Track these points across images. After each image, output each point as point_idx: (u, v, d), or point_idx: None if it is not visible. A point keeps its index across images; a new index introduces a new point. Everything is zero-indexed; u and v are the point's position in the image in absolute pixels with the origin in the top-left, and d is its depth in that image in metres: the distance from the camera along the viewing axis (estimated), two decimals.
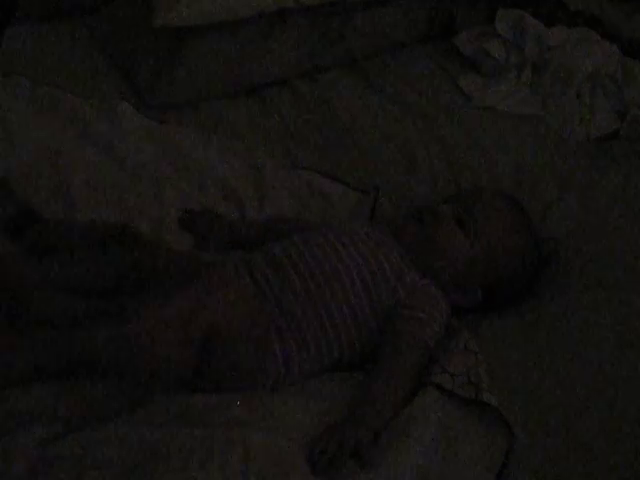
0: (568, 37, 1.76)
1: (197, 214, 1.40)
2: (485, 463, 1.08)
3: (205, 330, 1.09)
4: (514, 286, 1.29)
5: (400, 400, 1.12)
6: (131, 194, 1.41)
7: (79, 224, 1.28)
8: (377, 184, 1.47)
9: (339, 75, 1.73)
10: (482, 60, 1.77)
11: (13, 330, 1.08)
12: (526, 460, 1.09)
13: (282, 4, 1.55)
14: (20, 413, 1.04)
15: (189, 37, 1.54)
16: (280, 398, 1.12)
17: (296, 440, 1.05)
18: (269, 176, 1.48)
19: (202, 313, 1.10)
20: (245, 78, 1.65)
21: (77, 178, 1.40)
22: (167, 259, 1.22)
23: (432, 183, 1.52)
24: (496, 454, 1.09)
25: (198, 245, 1.37)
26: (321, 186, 1.48)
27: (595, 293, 1.29)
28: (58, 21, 1.69)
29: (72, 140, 1.46)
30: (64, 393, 1.08)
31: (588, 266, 1.34)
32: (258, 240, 1.33)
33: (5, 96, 1.48)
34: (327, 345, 1.18)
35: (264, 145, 1.55)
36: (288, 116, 1.62)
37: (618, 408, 1.14)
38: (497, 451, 1.09)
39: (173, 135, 1.52)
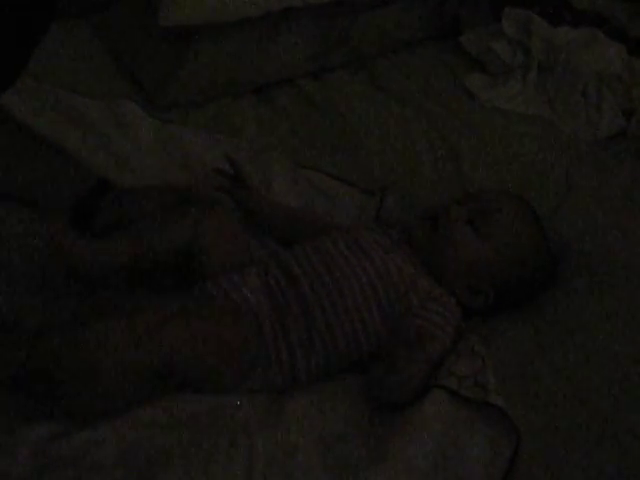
0: (574, 37, 1.75)
1: (228, 175, 1.38)
2: (490, 467, 1.08)
3: (162, 360, 1.04)
4: (525, 288, 1.29)
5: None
6: None
7: (152, 189, 1.26)
8: (385, 185, 1.46)
9: (345, 75, 1.73)
10: (488, 60, 1.77)
11: None
12: (532, 464, 1.09)
13: (288, 3, 1.55)
14: (19, 413, 1.04)
15: (195, 37, 1.54)
16: (285, 400, 1.12)
17: (301, 441, 1.05)
18: (274, 176, 1.47)
19: (160, 347, 1.04)
20: (251, 78, 1.64)
21: None
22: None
23: (438, 183, 1.51)
24: (501, 457, 1.08)
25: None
26: (326, 186, 1.47)
27: (603, 294, 1.28)
28: (64, 21, 1.68)
29: (77, 140, 1.46)
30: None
31: (596, 267, 1.33)
32: (278, 227, 1.34)
33: (10, 96, 1.48)
34: (336, 352, 1.17)
35: (269, 145, 1.54)
36: (294, 116, 1.62)
37: (627, 412, 1.14)
38: (502, 454, 1.09)
39: (178, 134, 1.52)
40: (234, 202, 1.36)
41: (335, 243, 1.24)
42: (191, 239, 1.17)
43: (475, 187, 1.49)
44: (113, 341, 1.01)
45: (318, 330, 1.16)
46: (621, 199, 1.48)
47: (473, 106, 1.69)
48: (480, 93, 1.72)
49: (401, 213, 1.41)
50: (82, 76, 1.59)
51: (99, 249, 1.13)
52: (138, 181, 1.41)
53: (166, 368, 1.05)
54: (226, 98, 1.63)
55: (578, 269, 1.33)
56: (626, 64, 1.73)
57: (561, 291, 1.30)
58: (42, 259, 1.16)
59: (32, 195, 1.19)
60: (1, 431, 1.00)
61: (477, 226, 1.26)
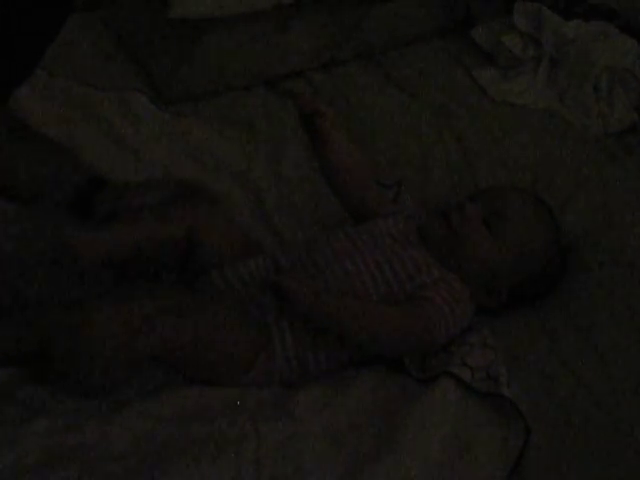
0: (586, 30, 1.74)
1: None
2: (500, 458, 1.08)
3: (157, 349, 1.05)
4: (538, 286, 1.28)
5: (355, 315, 1.12)
6: None
7: (152, 182, 1.26)
8: (399, 179, 1.46)
9: (355, 67, 1.73)
10: (499, 53, 1.76)
11: None
12: (541, 457, 1.09)
13: None
14: (28, 404, 1.04)
15: (205, 29, 1.54)
16: (294, 392, 1.12)
17: (310, 433, 1.05)
18: (286, 167, 1.47)
19: (156, 331, 1.05)
20: (261, 70, 1.64)
21: (92, 170, 1.40)
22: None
23: (448, 176, 1.51)
24: (511, 450, 1.09)
25: None
26: None
27: (613, 288, 1.28)
28: (74, 14, 1.68)
29: (87, 132, 1.46)
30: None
31: (606, 261, 1.33)
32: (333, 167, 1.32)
33: (20, 88, 1.48)
34: (345, 343, 1.16)
35: (279, 136, 1.54)
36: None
37: (638, 407, 1.14)
38: (513, 447, 1.09)
39: (189, 127, 1.52)
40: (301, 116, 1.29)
41: (347, 233, 1.24)
42: (186, 235, 1.18)
43: (485, 180, 1.49)
44: (108, 324, 1.02)
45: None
46: (632, 193, 1.47)
47: (483, 99, 1.69)
48: (491, 87, 1.72)
49: (415, 206, 1.41)
50: (92, 69, 1.60)
51: (99, 241, 1.14)
52: (148, 173, 1.41)
53: (164, 354, 1.06)
54: (236, 90, 1.63)
55: (588, 263, 1.33)
56: (638, 58, 1.72)
57: (571, 285, 1.30)
58: (44, 253, 1.17)
59: (30, 191, 1.20)
60: (12, 423, 1.01)
61: (491, 225, 1.25)
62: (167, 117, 1.53)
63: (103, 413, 1.04)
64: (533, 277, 1.27)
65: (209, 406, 1.07)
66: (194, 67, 1.57)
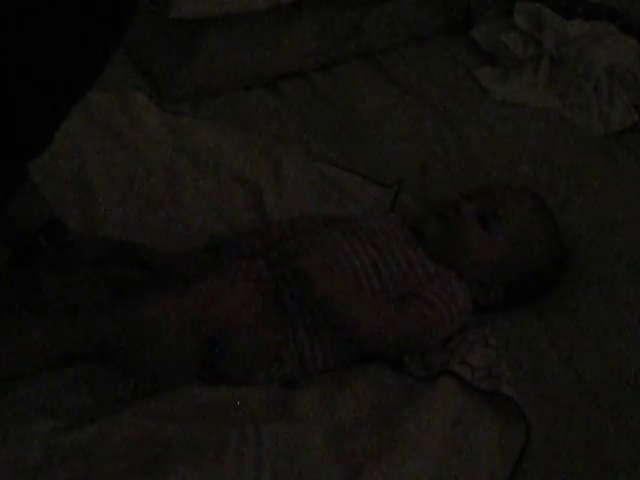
0: (587, 30, 1.74)
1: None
2: (501, 457, 1.08)
3: (217, 327, 1.10)
4: (536, 284, 1.28)
5: (358, 317, 1.12)
6: (147, 186, 1.41)
7: (97, 243, 1.22)
8: (399, 178, 1.46)
9: (356, 67, 1.73)
10: (500, 53, 1.76)
11: (31, 314, 1.09)
12: (542, 457, 1.09)
13: None
14: (29, 404, 1.04)
15: (205, 29, 1.54)
16: (294, 392, 1.11)
17: (311, 433, 1.05)
18: (286, 167, 1.47)
19: (217, 309, 1.10)
20: (261, 70, 1.64)
21: (93, 170, 1.40)
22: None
23: (448, 176, 1.51)
24: (512, 449, 1.09)
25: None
26: (338, 178, 1.47)
27: (614, 288, 1.28)
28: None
29: (87, 132, 1.46)
30: (72, 385, 1.08)
31: (606, 260, 1.33)
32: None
33: None
34: (345, 341, 1.17)
35: (280, 137, 1.54)
36: (304, 108, 1.62)
37: (638, 405, 1.14)
38: (514, 446, 1.09)
39: (189, 127, 1.52)
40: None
41: (342, 231, 1.24)
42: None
43: (486, 180, 1.49)
44: (171, 318, 1.07)
45: (323, 318, 1.15)
46: (632, 193, 1.47)
47: (484, 99, 1.68)
48: (491, 86, 1.72)
49: (415, 206, 1.41)
50: None
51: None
52: (151, 173, 1.41)
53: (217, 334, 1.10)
54: (237, 90, 1.63)
55: (588, 263, 1.33)
56: (638, 58, 1.72)
57: (571, 284, 1.30)
58: None
59: None
60: (15, 423, 1.01)
61: (487, 223, 1.25)
62: (167, 117, 1.53)
63: (103, 413, 1.04)
64: (530, 276, 1.27)
65: (209, 406, 1.07)
66: (194, 67, 1.56)
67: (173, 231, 1.34)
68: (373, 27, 1.72)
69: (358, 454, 1.03)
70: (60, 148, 1.41)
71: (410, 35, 1.79)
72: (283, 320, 1.15)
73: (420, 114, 1.63)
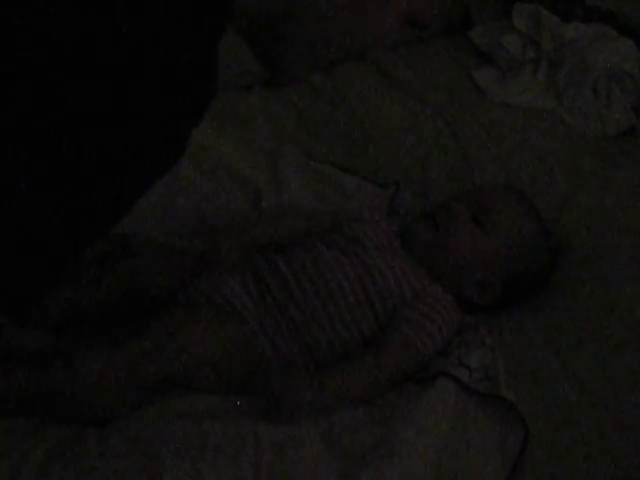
0: (585, 32, 1.75)
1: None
2: (498, 460, 1.08)
3: (161, 376, 1.06)
4: (530, 281, 1.29)
5: (361, 391, 1.10)
6: None
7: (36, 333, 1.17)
8: (397, 180, 1.46)
9: (354, 68, 1.73)
10: (498, 54, 1.76)
11: None
12: (540, 457, 1.09)
13: None
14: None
15: None
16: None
17: (308, 433, 1.05)
18: (285, 167, 1.47)
19: (156, 361, 1.06)
20: (262, 70, 1.63)
21: None
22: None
23: (447, 176, 1.51)
24: (510, 451, 1.08)
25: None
26: (337, 178, 1.47)
27: (613, 288, 1.28)
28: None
29: None
30: None
31: (603, 262, 1.33)
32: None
33: None
34: (333, 358, 1.16)
35: (279, 137, 1.54)
36: (303, 109, 1.62)
37: (637, 409, 1.14)
38: (511, 448, 1.09)
39: None
40: None
41: (329, 247, 1.22)
42: None
43: (483, 181, 1.49)
44: (122, 362, 1.04)
45: (314, 338, 1.15)
46: (629, 195, 1.47)
47: (482, 101, 1.69)
48: (489, 88, 1.72)
49: (414, 208, 1.41)
50: None
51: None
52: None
53: (179, 375, 1.07)
54: (235, 91, 1.63)
55: (586, 262, 1.33)
56: (636, 60, 1.72)
57: (569, 284, 1.30)
58: None
59: None
60: (12, 424, 1.01)
61: (480, 221, 1.26)
62: None
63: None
64: (526, 272, 1.27)
65: (208, 407, 1.07)
66: None
67: (171, 231, 1.34)
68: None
69: (356, 456, 1.03)
70: None
71: (410, 35, 1.79)
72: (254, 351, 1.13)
73: (418, 115, 1.63)
